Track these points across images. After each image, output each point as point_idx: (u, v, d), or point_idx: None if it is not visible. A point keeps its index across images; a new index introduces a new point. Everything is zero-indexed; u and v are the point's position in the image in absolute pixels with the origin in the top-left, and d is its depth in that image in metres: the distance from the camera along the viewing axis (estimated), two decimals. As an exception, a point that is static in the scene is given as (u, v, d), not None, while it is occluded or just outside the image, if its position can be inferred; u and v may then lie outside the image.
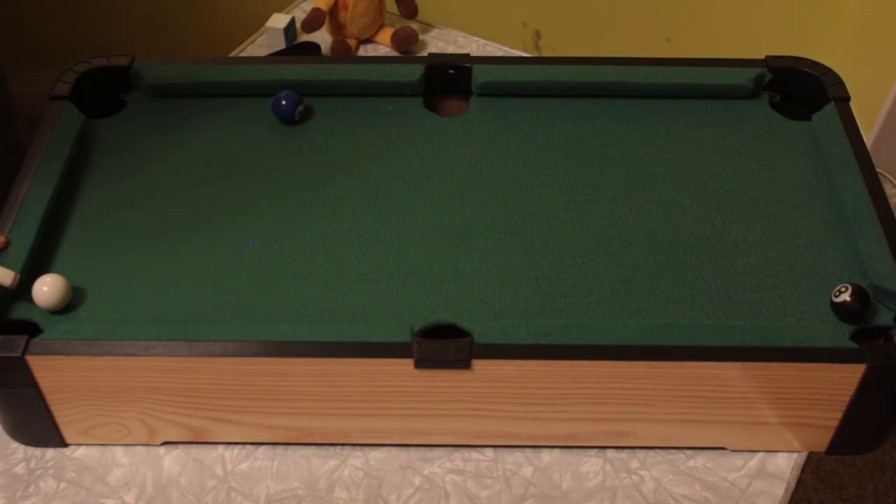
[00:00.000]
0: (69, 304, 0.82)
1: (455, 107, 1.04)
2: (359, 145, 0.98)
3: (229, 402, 0.81)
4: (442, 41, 1.31)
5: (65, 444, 0.86)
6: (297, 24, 1.30)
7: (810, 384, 0.78)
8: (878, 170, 0.92)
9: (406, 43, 1.28)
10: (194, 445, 0.86)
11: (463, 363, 0.77)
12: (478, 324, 0.80)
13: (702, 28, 1.80)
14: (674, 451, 0.86)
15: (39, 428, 0.83)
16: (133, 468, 0.84)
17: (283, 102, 0.98)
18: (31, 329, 0.80)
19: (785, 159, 0.96)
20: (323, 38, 1.30)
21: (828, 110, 0.98)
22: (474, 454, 0.86)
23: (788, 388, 0.79)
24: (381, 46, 1.30)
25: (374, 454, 0.86)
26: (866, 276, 0.83)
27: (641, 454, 0.86)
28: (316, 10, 1.25)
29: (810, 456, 0.86)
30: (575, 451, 0.86)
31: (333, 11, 1.27)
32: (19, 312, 0.82)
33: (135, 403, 0.81)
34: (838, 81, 1.00)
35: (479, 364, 0.77)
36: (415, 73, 1.01)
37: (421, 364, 0.77)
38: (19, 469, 0.84)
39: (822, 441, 0.84)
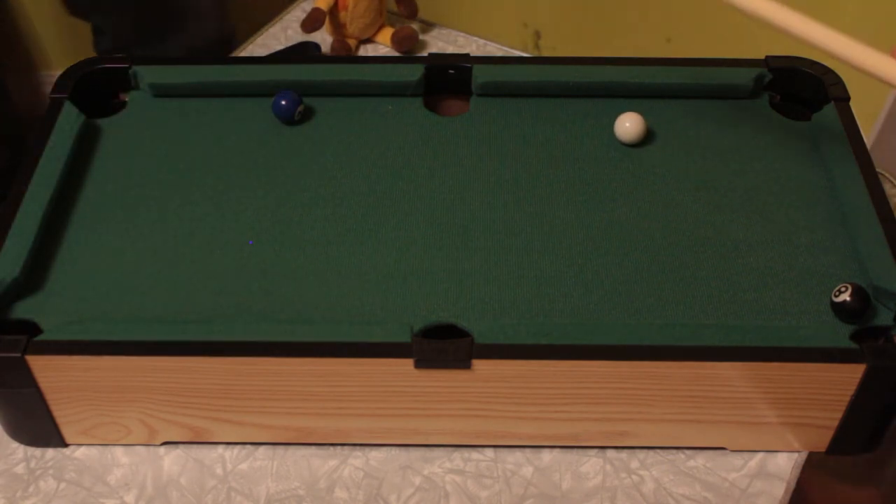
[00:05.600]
0: (69, 304, 0.82)
1: (455, 107, 1.04)
2: (359, 145, 0.98)
3: (229, 402, 0.81)
4: (442, 41, 1.31)
5: (65, 444, 0.86)
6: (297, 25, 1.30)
7: (810, 384, 0.78)
8: (878, 170, 0.92)
9: (406, 43, 1.28)
10: (194, 445, 0.86)
11: (463, 363, 0.77)
12: (478, 324, 0.80)
13: (702, 28, 1.80)
14: (674, 451, 0.86)
15: (39, 428, 0.83)
16: (133, 468, 0.84)
17: (283, 102, 0.98)
18: (31, 329, 0.80)
19: (785, 159, 0.96)
20: (323, 38, 1.30)
21: (828, 110, 0.98)
22: (474, 454, 0.86)
23: (788, 388, 0.79)
24: (381, 46, 1.30)
25: (374, 454, 0.86)
26: (866, 276, 0.83)
27: (641, 454, 0.86)
28: (316, 10, 1.25)
29: (810, 456, 0.86)
30: (575, 451, 0.86)
31: (333, 11, 1.27)
32: (19, 312, 0.82)
33: (135, 403, 0.81)
34: (838, 81, 1.00)
35: (479, 364, 0.77)
36: (415, 73, 1.01)
37: (421, 364, 0.77)
38: (19, 469, 0.84)
39: (822, 441, 0.84)
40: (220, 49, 1.43)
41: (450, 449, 0.86)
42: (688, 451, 0.86)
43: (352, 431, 0.84)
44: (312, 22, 1.24)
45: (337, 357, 0.77)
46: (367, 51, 1.30)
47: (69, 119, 0.96)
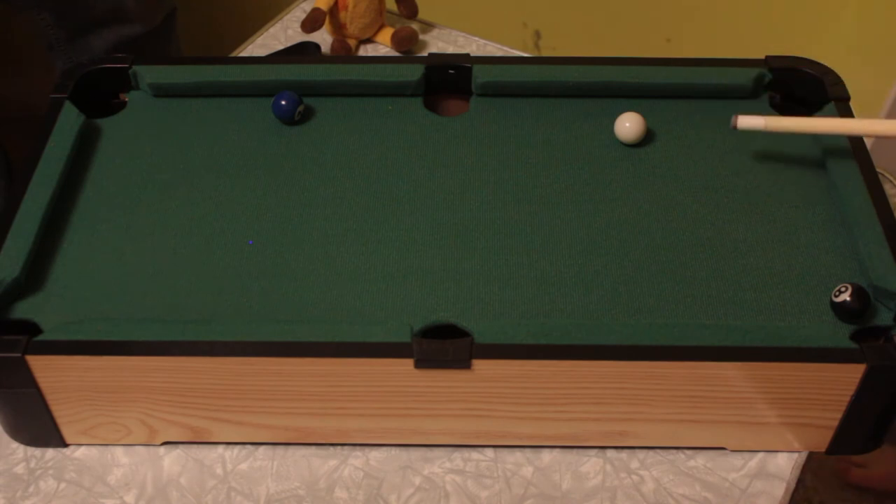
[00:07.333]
0: (69, 304, 0.83)
1: (455, 107, 1.04)
2: (359, 145, 0.98)
3: (229, 402, 0.81)
4: (442, 41, 1.31)
5: (65, 444, 0.86)
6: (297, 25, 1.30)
7: (810, 384, 0.78)
8: (878, 170, 0.92)
9: (406, 43, 1.28)
10: (194, 445, 0.86)
11: (463, 363, 0.77)
12: (478, 324, 0.80)
13: (702, 28, 1.80)
14: (674, 451, 0.86)
15: (39, 428, 0.83)
16: (133, 468, 0.84)
17: (283, 102, 0.98)
18: (31, 329, 0.80)
19: (785, 159, 0.96)
20: (323, 38, 1.30)
21: (828, 110, 0.98)
22: (474, 454, 0.86)
23: (788, 388, 0.79)
24: (381, 46, 1.30)
25: (374, 454, 0.86)
26: (866, 276, 0.83)
27: (641, 454, 0.86)
28: (316, 10, 1.25)
29: (810, 456, 0.86)
30: (575, 451, 0.86)
31: (333, 11, 1.27)
32: (19, 312, 0.82)
33: (135, 403, 0.81)
34: (838, 81, 1.00)
35: (479, 364, 0.77)
36: (415, 73, 1.01)
37: (421, 364, 0.77)
38: (19, 469, 0.84)
39: (822, 441, 0.84)
40: (158, 41, 1.43)
41: (450, 449, 0.86)
42: (688, 451, 0.86)
43: (352, 431, 0.84)
44: (312, 22, 1.24)
45: (337, 357, 0.77)
46: (367, 51, 1.30)
47: (69, 119, 0.96)
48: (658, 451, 0.86)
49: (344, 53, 1.27)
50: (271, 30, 1.33)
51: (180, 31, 1.54)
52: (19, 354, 0.76)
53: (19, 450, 0.86)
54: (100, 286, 0.84)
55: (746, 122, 0.91)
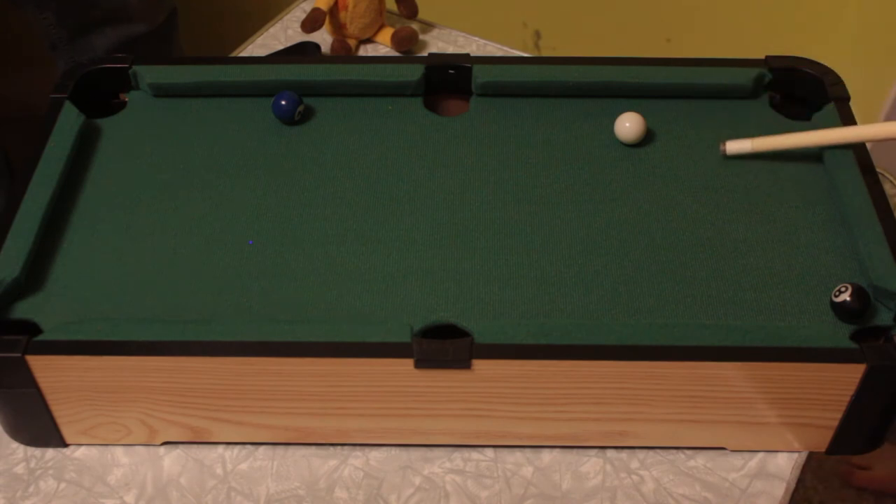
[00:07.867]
0: (69, 304, 0.83)
1: (455, 107, 1.04)
2: (359, 145, 0.98)
3: (229, 402, 0.81)
4: (442, 41, 1.31)
5: (65, 444, 0.86)
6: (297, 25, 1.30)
7: (810, 384, 0.78)
8: (878, 170, 0.92)
9: (406, 43, 1.28)
10: (194, 445, 0.86)
11: (463, 363, 0.77)
12: (478, 324, 0.80)
13: (702, 28, 1.81)
14: (674, 451, 0.86)
15: (39, 428, 0.83)
16: (133, 468, 0.84)
17: (283, 102, 0.98)
18: (31, 329, 0.80)
19: (785, 159, 0.96)
20: (323, 38, 1.30)
21: (828, 110, 0.98)
22: (474, 454, 0.86)
23: (788, 388, 0.79)
24: (381, 46, 1.30)
25: (374, 454, 0.86)
26: (866, 276, 0.83)
27: (641, 454, 0.86)
28: (316, 10, 1.25)
29: (810, 456, 0.86)
30: (575, 451, 0.86)
31: (333, 11, 1.27)
32: (19, 312, 0.82)
33: (135, 403, 0.81)
34: (838, 81, 1.00)
35: (479, 364, 0.77)
36: (415, 73, 1.01)
37: (421, 364, 0.77)
38: (19, 469, 0.84)
39: (822, 441, 0.84)
40: (163, 41, 1.43)
41: (450, 449, 0.86)
42: (688, 451, 0.86)
43: (352, 431, 0.84)
44: (312, 22, 1.24)
45: (337, 357, 0.77)
46: (367, 51, 1.30)
47: (69, 119, 0.96)
48: (658, 451, 0.86)
49: (344, 53, 1.27)
50: (271, 30, 1.33)
51: (180, 31, 1.54)
52: (19, 354, 0.76)
53: (19, 450, 0.86)
54: (100, 286, 0.84)
55: (735, 147, 0.94)
